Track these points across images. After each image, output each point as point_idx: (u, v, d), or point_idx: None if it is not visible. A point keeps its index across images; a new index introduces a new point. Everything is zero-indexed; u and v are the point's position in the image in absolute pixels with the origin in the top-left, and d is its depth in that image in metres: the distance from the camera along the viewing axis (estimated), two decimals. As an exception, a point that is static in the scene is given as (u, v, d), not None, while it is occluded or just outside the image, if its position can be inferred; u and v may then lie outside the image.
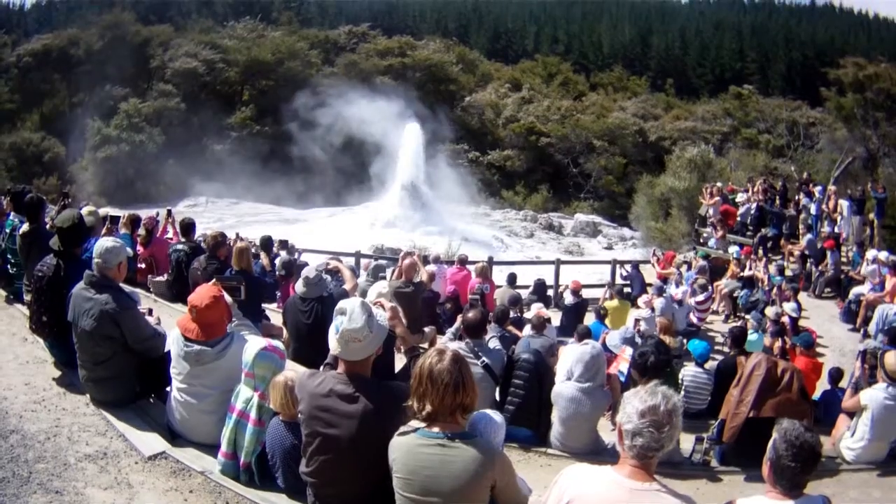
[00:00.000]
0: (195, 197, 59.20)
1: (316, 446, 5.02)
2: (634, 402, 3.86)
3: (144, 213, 20.60)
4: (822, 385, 13.24)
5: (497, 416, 5.14)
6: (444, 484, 4.30)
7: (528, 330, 12.33)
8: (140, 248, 14.93)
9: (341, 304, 5.16)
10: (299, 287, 10.54)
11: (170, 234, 17.66)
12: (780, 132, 62.97)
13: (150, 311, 8.46)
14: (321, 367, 5.73)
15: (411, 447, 4.41)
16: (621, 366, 11.38)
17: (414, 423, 4.51)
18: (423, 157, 54.27)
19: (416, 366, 4.53)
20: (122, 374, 7.40)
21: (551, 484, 4.11)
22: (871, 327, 18.10)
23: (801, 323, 18.27)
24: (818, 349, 16.43)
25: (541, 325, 11.91)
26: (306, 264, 14.70)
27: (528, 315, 13.71)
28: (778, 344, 14.04)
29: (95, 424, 7.16)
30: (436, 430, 4.38)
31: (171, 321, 7.81)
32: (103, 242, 7.41)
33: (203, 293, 6.77)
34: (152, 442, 6.82)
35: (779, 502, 4.23)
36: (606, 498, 3.80)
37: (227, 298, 7.17)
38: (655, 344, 9.57)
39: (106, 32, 69.76)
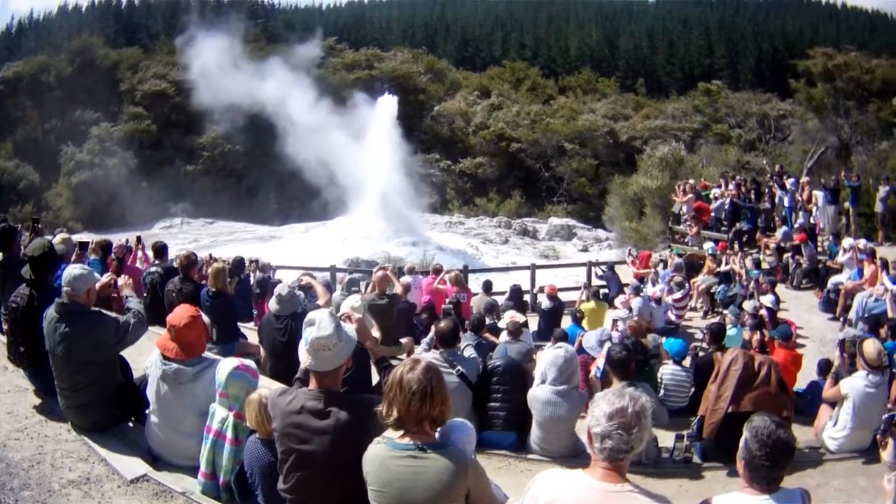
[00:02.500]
0: (170, 218, 59.55)
1: (291, 463, 5.03)
2: (602, 405, 3.89)
3: (121, 237, 20.57)
4: (803, 376, 13.30)
5: (468, 424, 5.18)
6: (418, 495, 4.30)
7: (504, 336, 12.36)
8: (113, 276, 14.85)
9: (310, 315, 5.20)
10: (272, 305, 10.58)
11: (141, 261, 17.54)
12: (751, 126, 63.12)
13: (115, 283, 8.50)
14: (293, 383, 5.76)
15: (383, 459, 4.43)
16: (599, 362, 11.43)
17: (386, 434, 4.54)
18: (396, 133, 54.41)
19: (392, 373, 4.54)
20: (101, 400, 7.41)
21: (524, 490, 4.14)
22: (852, 315, 18.26)
23: (781, 315, 18.28)
24: (799, 340, 16.51)
25: (517, 330, 11.92)
26: (280, 282, 14.73)
27: (502, 323, 13.73)
28: (756, 337, 14.02)
29: (77, 450, 7.18)
30: (406, 440, 4.41)
31: (149, 344, 7.81)
32: (71, 270, 7.41)
33: (182, 313, 6.81)
34: (134, 465, 6.85)
35: (756, 498, 4.20)
36: (579, 502, 3.83)
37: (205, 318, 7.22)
38: (633, 343, 9.61)
39: (75, 57, 69.78)
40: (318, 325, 5.02)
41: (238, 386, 6.32)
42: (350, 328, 5.38)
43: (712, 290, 21.72)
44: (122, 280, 8.54)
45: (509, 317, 12.89)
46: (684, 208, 29.61)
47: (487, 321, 13.68)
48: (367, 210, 50.38)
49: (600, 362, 11.37)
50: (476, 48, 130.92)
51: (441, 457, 4.33)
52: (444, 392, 4.53)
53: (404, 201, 52.95)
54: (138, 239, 18.31)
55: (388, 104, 54.46)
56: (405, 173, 54.18)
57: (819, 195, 27.00)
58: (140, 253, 17.26)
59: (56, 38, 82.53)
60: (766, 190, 29.51)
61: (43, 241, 8.89)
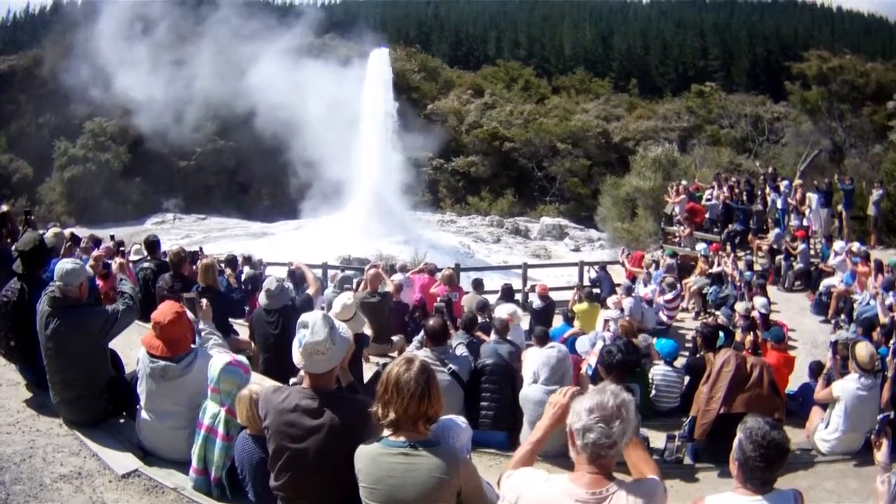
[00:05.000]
0: (162, 214, 59.71)
1: (283, 461, 5.04)
2: (582, 401, 3.88)
3: (114, 231, 20.45)
4: (795, 379, 13.25)
5: (461, 421, 5.19)
6: (409, 492, 4.31)
7: (493, 335, 12.28)
8: (100, 282, 14.68)
9: (304, 317, 5.18)
10: (262, 299, 10.61)
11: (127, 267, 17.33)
12: (744, 128, 63.11)
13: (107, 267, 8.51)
14: (289, 382, 5.74)
15: (375, 456, 4.43)
16: (591, 360, 11.42)
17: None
18: (391, 93, 54.33)
19: (384, 372, 4.54)
20: (93, 394, 7.42)
21: (503, 477, 4.20)
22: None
23: (773, 317, 18.31)
24: (790, 342, 16.52)
25: (504, 328, 11.86)
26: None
27: (497, 312, 13.63)
28: (749, 338, 14.02)
29: (69, 445, 7.19)
30: (398, 438, 4.40)
31: (140, 338, 7.81)
32: (63, 265, 7.42)
33: (165, 310, 6.84)
34: (125, 460, 6.87)
35: (749, 499, 4.21)
36: None
37: (190, 315, 7.26)
38: (625, 343, 9.60)
39: (70, 51, 68.98)
40: (311, 328, 5.02)
41: (230, 381, 6.34)
42: (344, 327, 5.36)
43: (704, 292, 21.79)
44: (115, 265, 8.52)
45: (506, 311, 12.87)
46: (677, 209, 29.54)
47: (479, 320, 13.64)
48: (359, 207, 50.25)
49: (592, 360, 11.38)
50: (470, 47, 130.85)
51: (432, 454, 4.34)
52: (438, 389, 4.54)
53: (396, 198, 53.15)
54: (122, 253, 18.14)
55: (383, 59, 54.58)
56: (397, 173, 54.32)
57: (814, 198, 26.97)
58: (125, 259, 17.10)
59: (51, 32, 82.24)
60: (759, 192, 29.49)
61: (34, 235, 8.96)
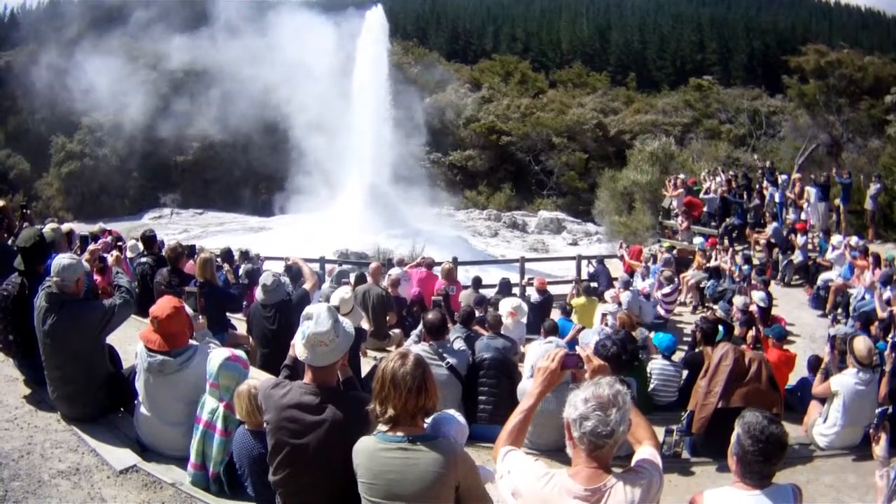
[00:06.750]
0: (160, 209, 59.62)
1: (283, 456, 5.01)
2: (578, 393, 3.88)
3: (111, 226, 20.35)
4: (794, 374, 13.20)
5: (458, 416, 5.17)
6: (408, 487, 4.30)
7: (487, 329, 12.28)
8: (97, 278, 14.63)
9: (308, 309, 5.18)
10: (259, 295, 10.56)
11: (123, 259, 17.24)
12: (742, 122, 62.82)
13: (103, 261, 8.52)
14: (280, 369, 5.74)
15: (373, 451, 4.43)
16: (588, 352, 11.41)
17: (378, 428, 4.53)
18: (386, 60, 53.99)
19: (379, 369, 4.54)
20: (91, 389, 7.42)
21: (499, 454, 4.21)
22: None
23: (771, 311, 18.34)
24: (789, 336, 16.52)
25: (497, 323, 11.83)
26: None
27: (502, 306, 13.61)
28: (751, 333, 13.96)
29: (67, 440, 7.20)
30: (396, 433, 4.40)
31: (137, 333, 7.80)
32: (60, 260, 7.38)
33: (164, 304, 6.87)
34: (123, 456, 6.87)
35: (747, 493, 4.21)
36: None
37: (189, 310, 7.27)
38: (621, 338, 9.58)
39: (66, 47, 68.70)
40: (315, 319, 5.01)
41: (229, 377, 6.35)
42: (348, 324, 5.36)
43: (702, 286, 21.71)
44: (111, 258, 8.55)
45: (510, 305, 12.92)
46: (674, 203, 29.64)
47: (477, 314, 13.63)
48: (356, 201, 49.92)
49: (589, 353, 11.33)
50: (467, 41, 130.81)
51: (431, 449, 4.35)
52: (434, 383, 4.56)
53: (394, 192, 52.90)
54: (119, 248, 18.06)
55: (377, 21, 54.05)
56: (394, 167, 54.26)
57: (812, 192, 26.85)
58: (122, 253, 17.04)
59: (48, 28, 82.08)
60: (757, 186, 29.44)
61: (34, 230, 8.92)
